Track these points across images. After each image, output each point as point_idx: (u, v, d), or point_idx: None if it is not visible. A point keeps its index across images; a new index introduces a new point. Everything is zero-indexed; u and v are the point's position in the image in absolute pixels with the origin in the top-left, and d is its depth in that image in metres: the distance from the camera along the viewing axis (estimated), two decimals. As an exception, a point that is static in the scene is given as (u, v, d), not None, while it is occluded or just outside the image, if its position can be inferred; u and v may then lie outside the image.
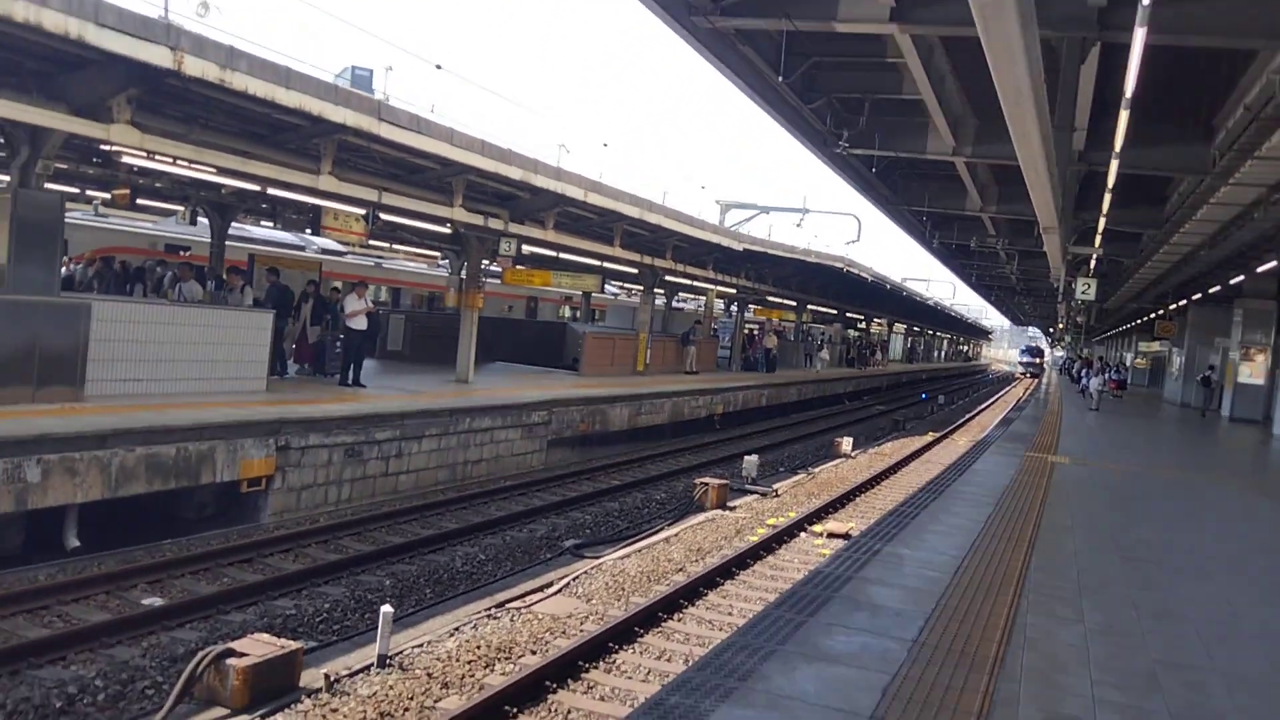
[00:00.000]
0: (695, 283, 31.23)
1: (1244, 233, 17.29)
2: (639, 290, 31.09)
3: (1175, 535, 10.40)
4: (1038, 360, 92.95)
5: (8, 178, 11.01)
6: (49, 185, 11.48)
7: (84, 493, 9.51)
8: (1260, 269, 21.81)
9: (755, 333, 38.24)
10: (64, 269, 15.41)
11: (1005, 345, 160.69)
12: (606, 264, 26.35)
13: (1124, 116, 10.28)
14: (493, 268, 23.67)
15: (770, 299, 38.76)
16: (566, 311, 39.51)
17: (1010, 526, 9.74)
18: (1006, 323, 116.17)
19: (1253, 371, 27.27)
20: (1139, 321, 47.08)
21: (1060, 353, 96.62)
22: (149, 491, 10.19)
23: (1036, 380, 75.11)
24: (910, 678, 5.21)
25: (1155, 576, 8.25)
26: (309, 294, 16.95)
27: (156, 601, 8.77)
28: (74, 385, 10.95)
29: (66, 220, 12.32)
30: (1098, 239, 19.21)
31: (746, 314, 39.29)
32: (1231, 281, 25.34)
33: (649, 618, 8.67)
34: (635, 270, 26.30)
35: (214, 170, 13.08)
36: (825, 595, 6.70)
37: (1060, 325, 55.70)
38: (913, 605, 6.60)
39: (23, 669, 7.06)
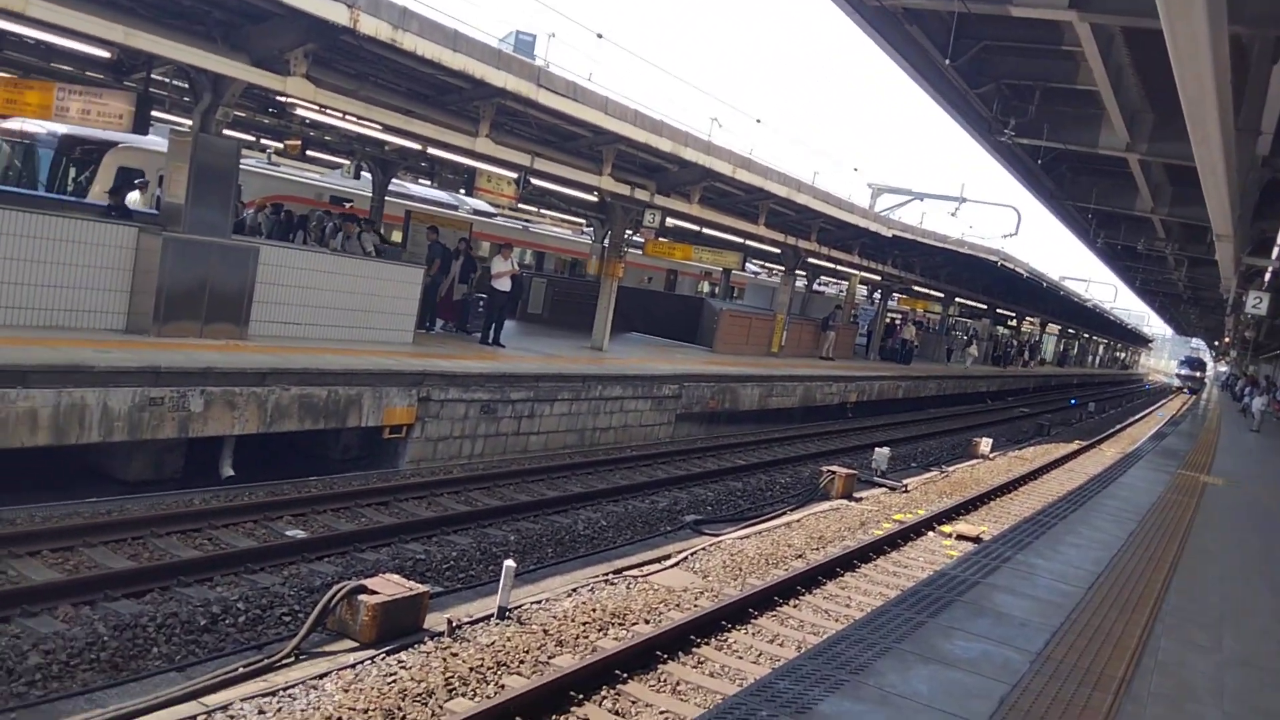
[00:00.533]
0: (839, 267, 30.66)
1: None
2: (780, 270, 30.75)
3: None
4: (1197, 374, 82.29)
5: (189, 122, 11.69)
6: (227, 132, 12.16)
7: (241, 425, 10.14)
8: None
9: (896, 322, 37.32)
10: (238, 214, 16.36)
11: (1165, 355, 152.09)
12: (749, 242, 26.17)
13: (1321, 120, 9.51)
14: (635, 238, 23.83)
15: (917, 289, 37.70)
16: (705, 287, 39.46)
17: (1153, 545, 9.26)
18: (1168, 331, 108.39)
19: None
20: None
21: (1224, 368, 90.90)
22: (300, 430, 10.77)
23: (1195, 396, 68.03)
24: (1030, 690, 5.04)
25: (1311, 615, 7.72)
26: (460, 251, 17.42)
27: (299, 534, 9.28)
28: (239, 324, 11.64)
29: (241, 167, 13.06)
30: (1275, 250, 17.86)
31: (890, 303, 38.35)
32: None
33: (764, 600, 8.64)
34: (778, 250, 26.01)
35: (379, 127, 13.62)
36: (948, 598, 6.54)
37: (1226, 339, 52.23)
38: (1040, 617, 6.37)
39: (173, 585, 7.60)
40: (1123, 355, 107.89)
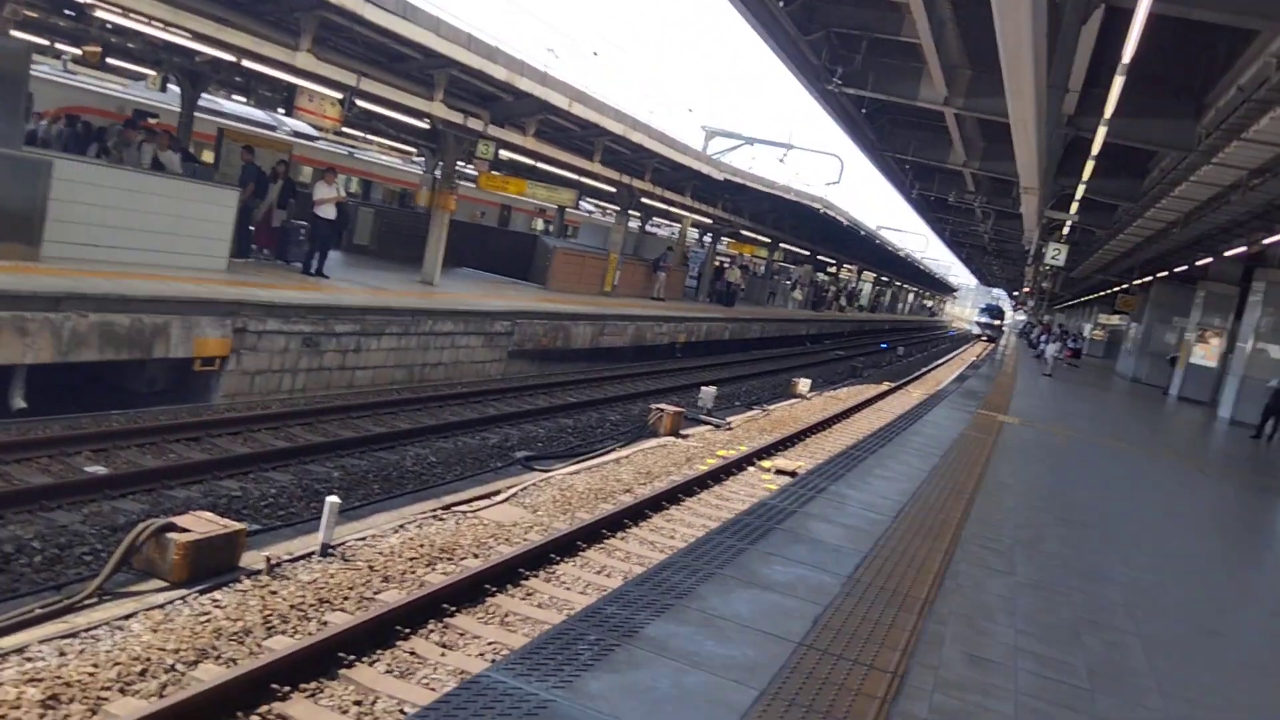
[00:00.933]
0: (671, 208, 30.98)
1: (1218, 215, 17.44)
2: (614, 210, 30.80)
3: (1112, 502, 10.67)
4: (996, 322, 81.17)
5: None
6: (15, 32, 11.02)
7: (34, 354, 9.34)
8: (1228, 253, 22.08)
9: (724, 265, 38.13)
10: (28, 125, 14.87)
11: (969, 304, 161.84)
12: (584, 179, 26.03)
13: (1118, 83, 10.22)
14: (468, 170, 23.25)
15: (745, 233, 38.61)
16: (539, 224, 39.09)
17: (954, 478, 9.92)
18: (973, 281, 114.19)
19: (1206, 354, 27.78)
20: (1102, 294, 47.66)
21: (1021, 316, 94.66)
22: (100, 360, 10.03)
23: (993, 344, 69.56)
24: (842, 610, 5.33)
25: (1088, 539, 8.48)
26: (278, 174, 16.46)
27: (100, 470, 8.71)
28: (30, 244, 10.64)
29: (32, 74, 11.86)
30: (1074, 206, 19.27)
31: (719, 247, 39.13)
32: (1198, 263, 25.66)
33: (593, 534, 8.76)
34: (613, 189, 26.01)
35: (189, 35, 12.62)
36: (767, 526, 6.80)
37: (1026, 289, 56.19)
38: (851, 543, 6.73)
39: (-42, 523, 7.01)
40: (930, 303, 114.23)
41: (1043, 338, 42.07)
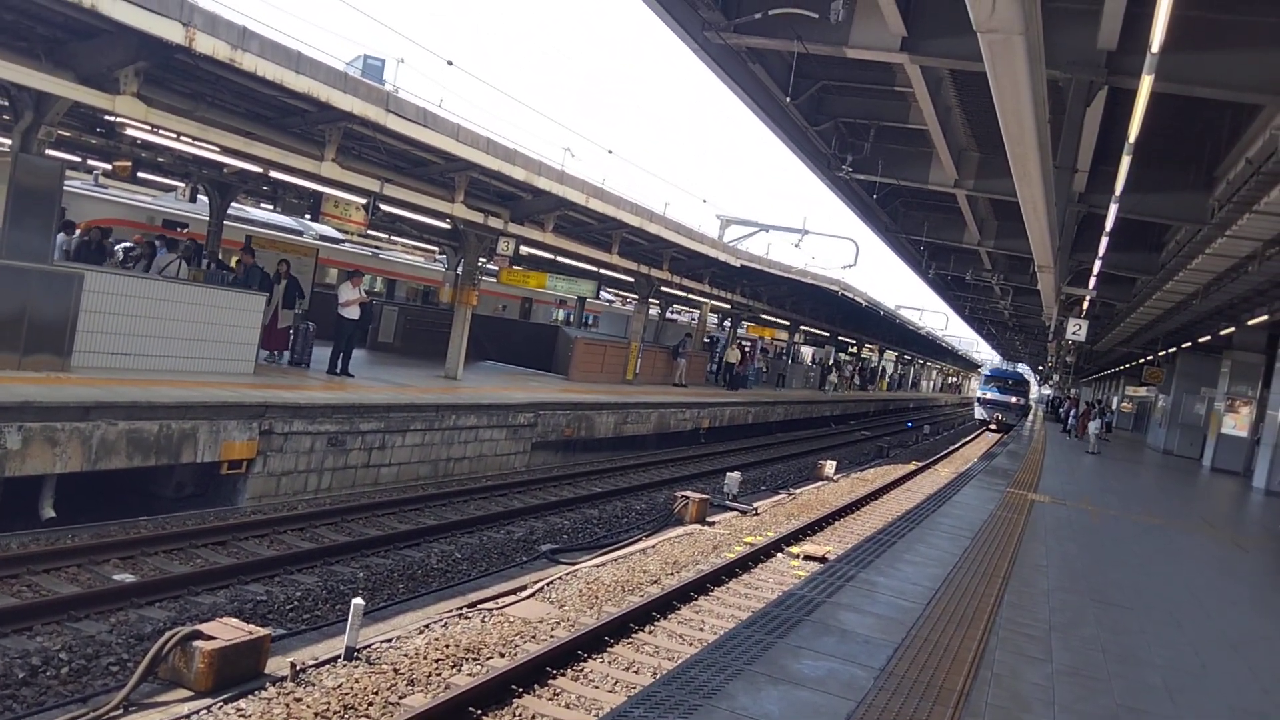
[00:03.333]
0: (690, 295, 31.27)
1: (1237, 285, 17.40)
2: (634, 298, 31.11)
3: (1148, 581, 10.44)
4: (1013, 400, 52.07)
5: (9, 141, 10.95)
6: (50, 152, 11.45)
7: (63, 464, 9.47)
8: (1251, 322, 21.95)
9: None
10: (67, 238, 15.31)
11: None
12: (603, 270, 26.38)
13: (1125, 161, 10.35)
14: (489, 266, 23.64)
15: (764, 317, 38.80)
16: (560, 314, 39.50)
17: (986, 560, 9.76)
18: (997, 358, 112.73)
19: (1237, 424, 27.40)
20: (1127, 366, 47.28)
21: (1048, 391, 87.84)
22: (129, 467, 10.14)
23: (1007, 431, 46.77)
24: (875, 706, 5.22)
25: (1125, 621, 8.28)
26: (281, 274, 16.23)
27: (127, 578, 8.72)
28: (61, 355, 10.90)
29: (65, 189, 12.28)
30: (1092, 281, 19.31)
31: (740, 330, 39.29)
32: (1221, 332, 25.50)
33: (620, 628, 8.66)
34: (631, 279, 26.33)
35: (217, 149, 13.08)
36: (796, 618, 6.71)
37: (1050, 363, 55.85)
38: (882, 634, 6.61)
39: (-13, 637, 7.02)
40: (955, 380, 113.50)
41: (1072, 412, 41.62)
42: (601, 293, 35.72)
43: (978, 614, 7.55)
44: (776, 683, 5.36)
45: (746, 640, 6.07)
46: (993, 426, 48.94)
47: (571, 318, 37.48)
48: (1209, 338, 27.20)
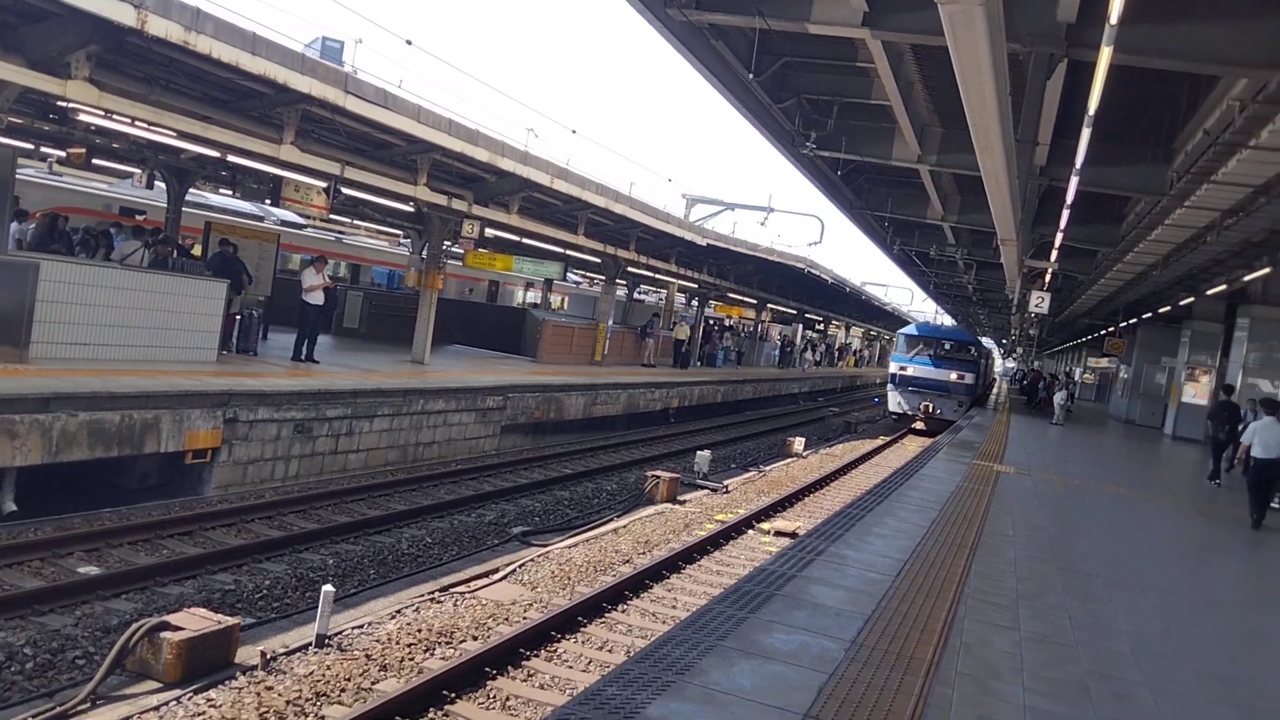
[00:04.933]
0: (657, 275, 31.23)
1: (1196, 255, 17.65)
2: (601, 279, 31.03)
3: (1114, 549, 10.61)
4: (954, 377, 31.39)
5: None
6: (1, 139, 11.19)
7: (23, 456, 9.30)
8: (1210, 292, 22.28)
9: (712, 328, 38.20)
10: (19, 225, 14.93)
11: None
12: (570, 251, 26.28)
13: (1086, 134, 10.42)
14: (454, 249, 23.47)
15: (732, 295, 38.89)
16: (527, 296, 39.36)
17: (953, 533, 9.87)
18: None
19: (1197, 392, 27.86)
20: (1089, 338, 47.92)
21: (1012, 364, 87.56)
22: (91, 458, 9.98)
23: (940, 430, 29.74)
24: (847, 678, 5.26)
25: (1091, 589, 8.41)
26: (224, 254, 15.61)
27: (92, 570, 8.61)
28: (18, 346, 10.71)
29: (18, 177, 12.00)
30: (1054, 254, 19.50)
31: (707, 310, 39.35)
32: (1181, 303, 25.88)
33: (593, 608, 8.67)
34: (598, 259, 26.25)
35: (173, 134, 12.83)
36: (768, 593, 6.74)
37: (1013, 335, 56.48)
38: (853, 606, 6.67)
39: (-51, 634, 6.90)
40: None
41: (1040, 385, 42.09)
42: (569, 274, 35.64)
43: (946, 584, 7.63)
44: (749, 657, 5.39)
45: (719, 616, 6.09)
46: (918, 425, 30.93)
47: (540, 300, 37.37)
48: (1169, 308, 27.60)
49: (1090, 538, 11.08)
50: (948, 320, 49.33)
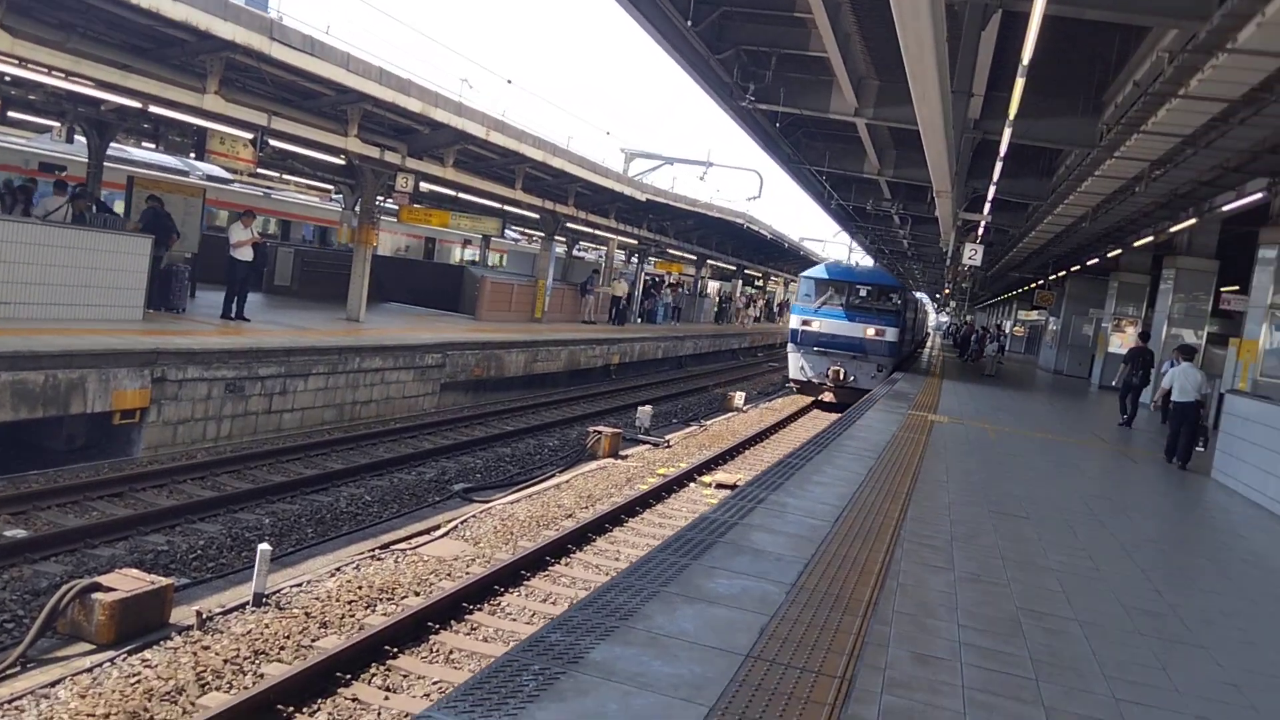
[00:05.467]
0: (597, 231, 31.04)
1: (1124, 206, 18.02)
2: (540, 236, 30.73)
3: (1044, 492, 10.90)
4: (871, 333, 25.13)
5: None
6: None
7: (-62, 419, 8.96)
8: (1136, 243, 22.83)
9: (652, 283, 38.18)
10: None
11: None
12: (508, 207, 25.96)
13: (1019, 85, 10.49)
14: (389, 204, 23.03)
15: (671, 251, 38.85)
16: (464, 253, 38.87)
17: (890, 479, 10.05)
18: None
19: (1123, 342, 28.65)
20: (1019, 291, 48.91)
21: (945, 318, 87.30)
22: (14, 420, 9.66)
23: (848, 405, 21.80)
24: (788, 619, 5.34)
25: (1023, 530, 8.64)
26: (155, 210, 15.08)
27: (19, 533, 8.37)
28: (-71, 305, 10.27)
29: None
30: (987, 206, 19.75)
31: (647, 266, 39.27)
32: (1109, 255, 26.49)
33: (536, 562, 8.68)
34: (537, 215, 25.98)
35: (92, 83, 12.30)
36: (710, 540, 6.80)
37: (946, 290, 57.37)
38: (793, 551, 6.75)
39: None
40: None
41: (971, 338, 42.95)
42: (507, 230, 35.23)
43: (883, 529, 7.77)
44: (692, 602, 5.43)
45: (662, 564, 6.12)
46: (825, 397, 25.03)
47: (477, 257, 36.93)
48: (1097, 260, 28.24)
49: (1021, 482, 11.37)
50: (867, 262, 39.05)
